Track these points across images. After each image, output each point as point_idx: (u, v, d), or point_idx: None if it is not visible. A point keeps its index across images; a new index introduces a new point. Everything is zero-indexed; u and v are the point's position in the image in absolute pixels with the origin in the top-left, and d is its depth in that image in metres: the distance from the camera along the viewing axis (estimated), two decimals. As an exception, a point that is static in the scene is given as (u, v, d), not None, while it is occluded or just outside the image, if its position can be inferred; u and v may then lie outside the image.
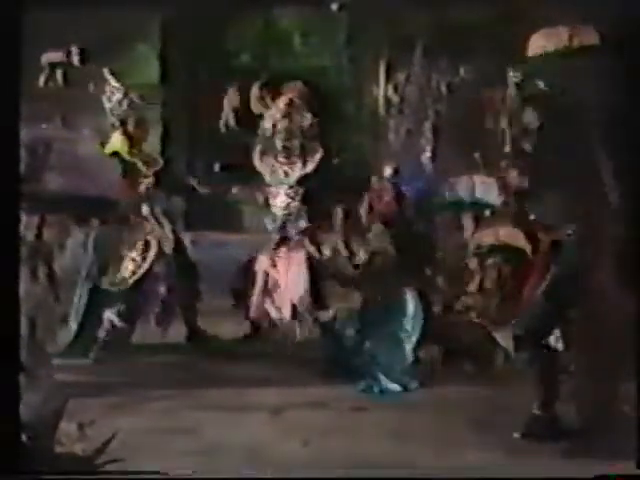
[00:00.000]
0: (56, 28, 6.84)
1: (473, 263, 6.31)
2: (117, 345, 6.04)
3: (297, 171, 6.26)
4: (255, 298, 6.17)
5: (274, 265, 6.19)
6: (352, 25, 8.81)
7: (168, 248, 6.26)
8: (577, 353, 4.26)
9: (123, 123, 6.27)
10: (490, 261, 6.01)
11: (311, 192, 6.24)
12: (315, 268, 6.10)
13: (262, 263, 6.23)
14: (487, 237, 6.13)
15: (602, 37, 6.34)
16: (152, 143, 9.18)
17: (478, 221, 6.51)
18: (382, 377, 5.37)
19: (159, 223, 6.30)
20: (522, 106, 4.42)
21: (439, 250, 6.46)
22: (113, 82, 6.25)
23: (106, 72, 6.27)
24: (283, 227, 6.25)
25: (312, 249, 6.16)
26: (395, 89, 8.49)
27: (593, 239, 4.21)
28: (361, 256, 5.83)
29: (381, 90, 8.61)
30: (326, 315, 5.84)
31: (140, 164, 6.30)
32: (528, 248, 5.39)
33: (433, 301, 6.09)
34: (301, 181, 6.26)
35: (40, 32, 5.35)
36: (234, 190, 8.78)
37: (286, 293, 6.10)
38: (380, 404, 5.03)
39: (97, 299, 6.12)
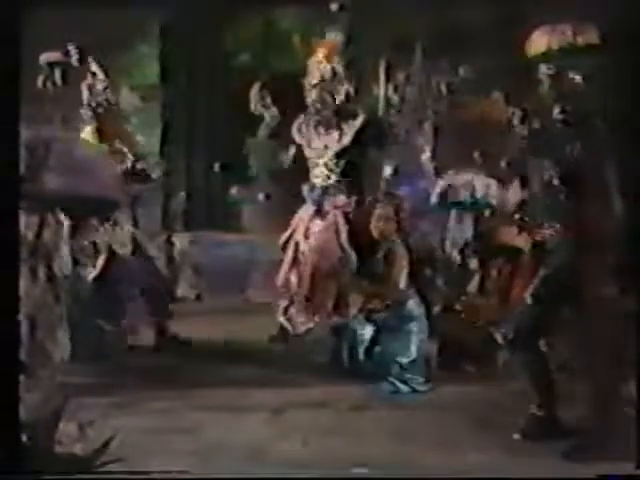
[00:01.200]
0: (56, 28, 6.84)
1: (473, 263, 6.34)
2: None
3: (334, 143, 6.02)
4: (283, 267, 5.98)
5: (307, 237, 5.98)
6: (352, 25, 8.81)
7: (123, 251, 6.01)
8: (576, 353, 4.26)
9: (96, 117, 6.19)
10: (492, 262, 6.03)
11: (352, 165, 5.99)
12: (345, 253, 5.89)
13: (297, 233, 6.02)
14: (489, 238, 6.15)
15: (603, 37, 6.34)
16: (152, 143, 9.22)
17: (478, 221, 6.53)
18: (407, 377, 5.38)
19: (115, 225, 6.04)
20: (555, 102, 4.35)
21: (439, 250, 6.47)
22: (100, 73, 6.18)
23: (92, 61, 6.19)
24: (320, 200, 6.02)
25: (344, 230, 5.90)
26: (395, 89, 8.49)
27: (591, 241, 4.20)
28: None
29: (381, 90, 8.61)
30: (343, 320, 5.79)
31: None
32: (527, 248, 5.40)
33: (433, 301, 6.09)
34: (341, 153, 6.01)
35: (40, 32, 5.35)
36: (233, 190, 8.80)
37: (309, 271, 5.89)
38: (380, 404, 5.03)
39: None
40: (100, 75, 6.18)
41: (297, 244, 5.97)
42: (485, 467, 3.96)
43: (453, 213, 6.75)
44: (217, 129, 9.82)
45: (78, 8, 7.03)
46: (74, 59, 6.32)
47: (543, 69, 4.55)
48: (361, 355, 5.55)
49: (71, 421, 3.48)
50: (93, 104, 6.18)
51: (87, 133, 6.17)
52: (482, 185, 6.30)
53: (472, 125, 7.17)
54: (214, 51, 10.02)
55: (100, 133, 6.18)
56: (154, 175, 6.53)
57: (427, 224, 6.60)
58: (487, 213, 6.34)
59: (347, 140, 5.99)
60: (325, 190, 6.01)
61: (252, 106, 8.10)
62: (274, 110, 8.73)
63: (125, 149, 6.33)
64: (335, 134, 6.02)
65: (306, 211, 6.07)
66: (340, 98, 6.10)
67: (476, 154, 6.83)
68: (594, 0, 6.01)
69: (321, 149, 6.06)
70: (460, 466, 3.98)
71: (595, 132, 4.37)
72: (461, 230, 6.70)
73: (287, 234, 6.11)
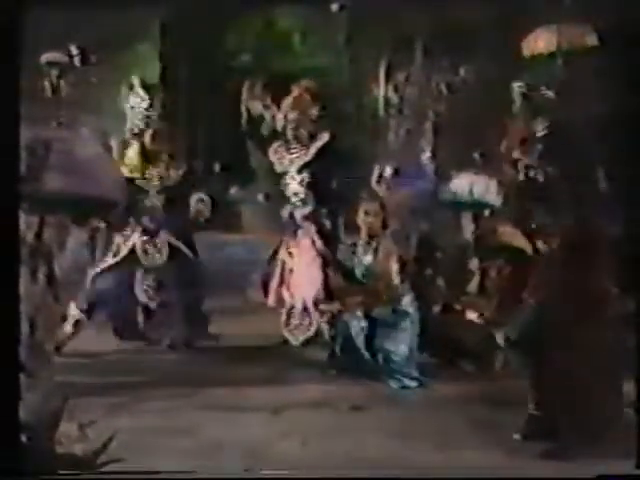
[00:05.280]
0: (56, 28, 6.85)
1: (473, 263, 6.33)
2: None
3: (301, 158, 6.36)
4: (273, 286, 6.29)
5: (289, 253, 6.31)
6: (352, 25, 8.82)
7: (149, 261, 6.19)
8: (576, 353, 4.25)
9: (140, 135, 6.22)
10: (492, 262, 6.03)
11: (317, 178, 6.32)
12: (323, 257, 6.20)
13: (281, 252, 6.36)
14: (489, 238, 6.15)
15: (601, 37, 6.35)
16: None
17: (478, 221, 6.53)
18: (414, 373, 5.43)
19: (146, 232, 6.20)
20: (532, 116, 4.43)
21: (439, 250, 6.46)
22: (141, 92, 6.21)
23: (136, 80, 6.22)
24: (292, 215, 6.36)
25: (316, 237, 6.26)
26: (395, 89, 8.50)
27: (591, 244, 4.20)
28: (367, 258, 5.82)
29: (381, 90, 8.62)
30: (331, 307, 5.86)
31: (143, 182, 6.24)
32: (528, 248, 5.41)
33: (433, 301, 6.10)
34: (306, 167, 6.35)
35: (40, 32, 5.35)
36: (233, 190, 8.79)
37: (297, 282, 6.21)
38: (380, 404, 5.03)
39: None
40: (143, 93, 6.20)
41: (283, 262, 6.32)
42: (485, 467, 3.96)
43: (453, 213, 6.76)
44: (217, 129, 9.82)
45: (78, 8, 7.03)
46: (75, 59, 6.31)
47: (516, 88, 4.63)
48: (360, 349, 5.56)
49: (71, 421, 3.48)
50: (136, 123, 6.18)
51: (133, 154, 6.18)
52: (482, 185, 6.30)
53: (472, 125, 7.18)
54: (214, 51, 10.02)
55: (145, 151, 6.19)
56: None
57: (427, 224, 6.60)
58: (487, 213, 6.34)
59: (311, 153, 6.35)
60: (295, 204, 6.35)
61: (252, 106, 8.09)
62: (275, 110, 8.73)
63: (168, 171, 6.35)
64: (301, 151, 6.39)
65: (286, 230, 6.41)
66: (312, 121, 6.42)
67: (476, 154, 6.83)
68: (594, 1, 6.02)
69: (287, 165, 6.42)
70: (460, 466, 3.99)
71: (578, 139, 4.39)
72: (461, 230, 6.70)
73: (271, 251, 6.45)
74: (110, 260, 6.19)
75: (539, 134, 4.38)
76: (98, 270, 6.19)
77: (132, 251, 6.18)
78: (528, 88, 4.49)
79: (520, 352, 4.39)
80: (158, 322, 6.26)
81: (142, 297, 6.19)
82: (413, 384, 5.37)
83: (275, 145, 6.49)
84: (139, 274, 6.19)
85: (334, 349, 5.74)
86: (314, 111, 6.40)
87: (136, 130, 6.22)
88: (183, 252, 6.32)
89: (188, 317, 6.26)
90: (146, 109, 6.20)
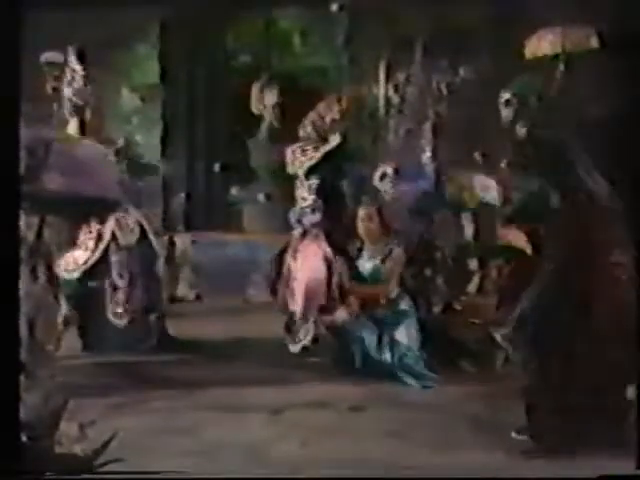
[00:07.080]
0: (56, 28, 6.85)
1: (473, 263, 6.34)
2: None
3: (310, 161, 6.31)
4: (280, 290, 6.29)
5: (295, 258, 6.26)
6: (352, 25, 8.82)
7: (125, 240, 6.15)
8: (577, 352, 4.25)
9: (79, 112, 6.19)
10: (492, 262, 6.04)
11: (325, 182, 6.27)
12: (330, 263, 6.15)
13: (287, 256, 6.33)
14: (489, 238, 6.16)
15: (602, 38, 6.34)
16: (152, 143, 9.23)
17: (478, 221, 6.53)
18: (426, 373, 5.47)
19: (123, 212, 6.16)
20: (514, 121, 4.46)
21: (439, 250, 6.47)
22: (76, 65, 6.16)
23: (71, 52, 6.16)
24: (300, 219, 6.30)
25: (324, 244, 6.20)
26: (395, 89, 8.49)
27: (588, 239, 4.21)
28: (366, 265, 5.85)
29: (381, 90, 8.62)
30: (335, 317, 5.83)
31: None
32: (528, 249, 5.40)
33: (433, 301, 6.10)
34: (314, 172, 6.29)
35: (40, 32, 5.35)
36: (233, 190, 8.80)
37: (301, 286, 6.16)
38: (380, 404, 5.03)
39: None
40: (79, 69, 6.16)
41: (289, 266, 6.27)
42: (485, 467, 3.96)
43: (453, 213, 6.75)
44: (217, 129, 9.83)
45: (78, 8, 7.04)
46: (74, 59, 6.31)
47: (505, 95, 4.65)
48: (374, 355, 5.57)
49: (71, 421, 3.48)
50: (74, 99, 6.17)
51: (71, 128, 6.19)
52: (482, 185, 6.29)
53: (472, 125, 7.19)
54: (214, 51, 10.03)
55: (83, 127, 6.18)
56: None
57: (427, 224, 6.61)
58: (487, 213, 6.33)
59: (318, 156, 6.27)
60: (302, 210, 6.27)
61: (252, 106, 8.13)
62: (275, 110, 8.75)
63: (118, 141, 6.36)
64: (312, 153, 6.31)
65: (295, 233, 6.35)
66: (327, 123, 6.39)
67: (476, 154, 6.83)
68: (594, 1, 6.02)
69: (298, 167, 6.35)
70: (460, 466, 3.99)
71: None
72: (461, 230, 6.70)
73: (277, 251, 6.42)
74: (90, 253, 6.10)
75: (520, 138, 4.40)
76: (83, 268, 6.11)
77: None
78: (516, 95, 4.52)
79: (521, 348, 4.39)
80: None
81: (115, 276, 6.12)
82: (428, 383, 5.40)
83: (294, 146, 6.41)
84: (114, 255, 6.12)
85: (338, 352, 5.75)
86: (330, 114, 6.34)
87: (72, 108, 6.19)
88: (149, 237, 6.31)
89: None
90: (84, 84, 6.17)
